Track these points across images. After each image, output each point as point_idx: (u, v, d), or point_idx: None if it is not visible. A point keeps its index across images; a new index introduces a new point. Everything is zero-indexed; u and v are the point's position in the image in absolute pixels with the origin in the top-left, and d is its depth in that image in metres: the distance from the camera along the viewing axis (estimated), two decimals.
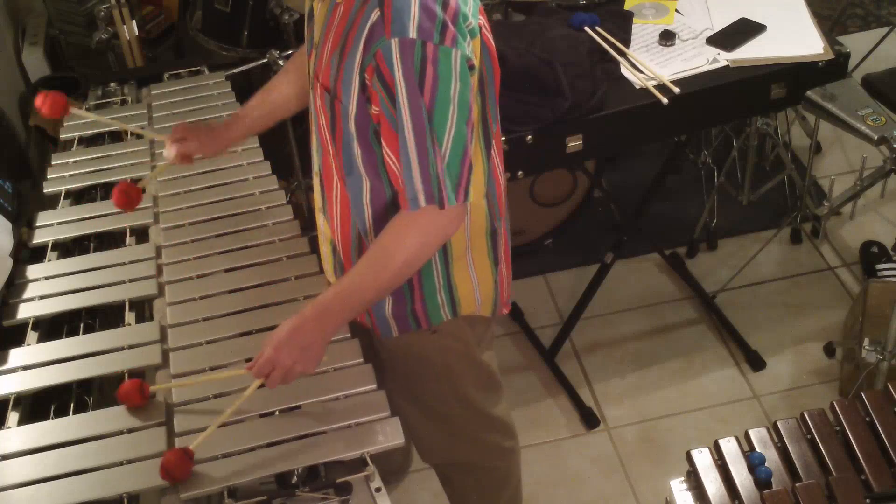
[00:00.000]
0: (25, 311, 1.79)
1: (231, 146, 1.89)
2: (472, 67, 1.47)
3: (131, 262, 1.87)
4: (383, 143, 1.50)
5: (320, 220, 1.77)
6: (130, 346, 1.69)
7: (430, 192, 1.47)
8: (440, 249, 1.66)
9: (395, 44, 1.40)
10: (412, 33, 1.39)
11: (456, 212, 1.51)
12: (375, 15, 1.41)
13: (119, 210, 1.86)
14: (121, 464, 1.47)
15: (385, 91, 1.44)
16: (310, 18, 1.61)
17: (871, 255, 3.00)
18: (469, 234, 1.68)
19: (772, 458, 1.57)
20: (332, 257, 1.78)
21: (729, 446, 1.60)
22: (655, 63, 2.31)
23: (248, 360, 1.55)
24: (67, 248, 1.98)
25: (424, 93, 1.42)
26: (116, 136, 2.32)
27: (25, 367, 1.66)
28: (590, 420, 2.66)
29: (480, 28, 1.51)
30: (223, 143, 1.85)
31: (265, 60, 2.77)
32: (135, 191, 1.82)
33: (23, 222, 2.02)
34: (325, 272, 1.83)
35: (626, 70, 2.29)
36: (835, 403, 1.65)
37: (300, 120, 2.05)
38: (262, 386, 1.50)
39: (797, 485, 1.51)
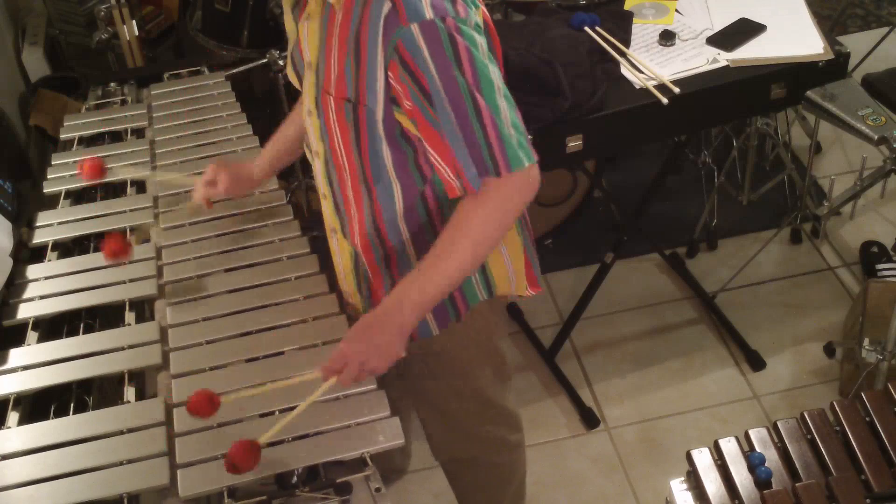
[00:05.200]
0: (25, 311, 1.79)
1: (256, 188, 1.94)
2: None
3: (131, 263, 1.87)
4: (423, 136, 1.46)
5: (334, 240, 1.74)
6: (130, 346, 1.68)
7: (497, 159, 1.40)
8: None
9: (415, 29, 1.37)
10: (428, 14, 1.37)
11: (534, 171, 1.45)
12: (387, 7, 1.38)
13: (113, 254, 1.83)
14: (121, 464, 1.46)
15: (414, 81, 1.39)
16: (300, 44, 1.57)
17: (871, 255, 3.00)
18: None
19: (772, 458, 1.57)
20: (353, 272, 1.75)
21: (729, 446, 1.60)
22: (655, 63, 2.31)
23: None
24: (67, 248, 1.98)
25: (464, 66, 1.38)
26: (116, 136, 2.32)
27: (25, 367, 1.66)
28: (590, 420, 2.67)
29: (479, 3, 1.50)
30: (249, 187, 1.90)
31: (265, 60, 2.77)
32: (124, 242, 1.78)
33: (23, 222, 2.02)
34: (344, 288, 1.80)
35: (626, 70, 2.29)
36: (835, 403, 1.65)
37: None
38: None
39: (797, 485, 1.51)
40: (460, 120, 1.39)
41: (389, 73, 1.42)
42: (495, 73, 1.42)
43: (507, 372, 1.96)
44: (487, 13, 1.53)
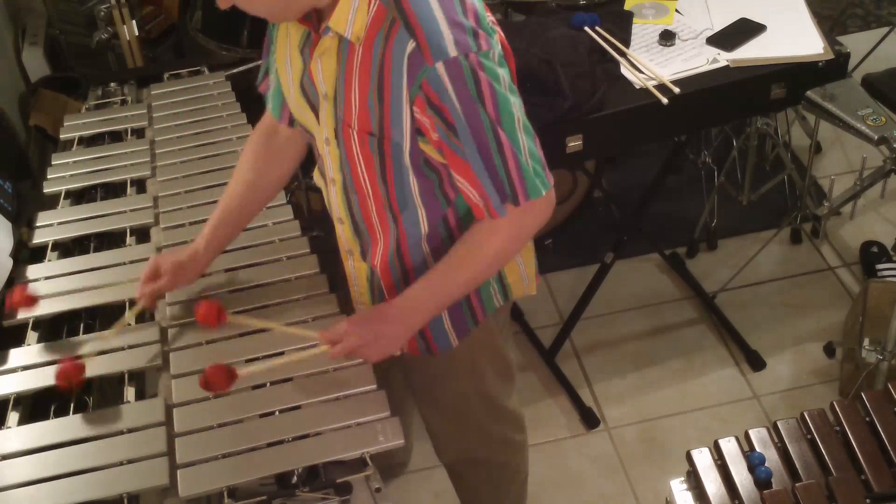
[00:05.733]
0: (25, 311, 1.78)
1: (205, 267, 1.78)
2: (503, 63, 1.47)
3: (131, 262, 1.87)
4: (450, 166, 1.49)
5: (350, 262, 1.74)
6: (130, 347, 1.69)
7: (517, 190, 1.47)
8: None
9: (441, 68, 1.38)
10: (452, 51, 1.38)
11: (550, 194, 1.52)
12: (411, 46, 1.38)
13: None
14: (121, 464, 1.46)
15: (439, 116, 1.42)
16: (312, 77, 1.56)
17: (871, 255, 3.00)
18: None
19: (772, 458, 1.57)
20: (369, 291, 1.75)
21: (729, 446, 1.60)
22: (655, 63, 2.31)
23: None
24: (67, 248, 1.97)
25: (486, 102, 1.41)
26: (116, 136, 2.32)
27: (25, 367, 1.66)
28: (590, 420, 2.67)
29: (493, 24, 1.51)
30: (196, 269, 1.75)
31: None
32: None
33: (23, 222, 2.02)
34: (359, 307, 1.80)
35: (626, 70, 2.29)
36: (835, 403, 1.65)
37: None
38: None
39: (797, 485, 1.51)
40: (483, 153, 1.45)
41: (415, 108, 1.43)
42: (516, 105, 1.46)
43: (511, 372, 1.97)
44: (502, 33, 1.53)
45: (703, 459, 1.60)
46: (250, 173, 1.78)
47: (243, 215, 1.79)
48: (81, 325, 1.77)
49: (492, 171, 1.46)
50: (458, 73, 1.39)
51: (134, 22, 3.03)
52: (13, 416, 1.58)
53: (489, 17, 1.50)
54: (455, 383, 1.87)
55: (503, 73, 1.44)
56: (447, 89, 1.39)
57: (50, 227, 2.00)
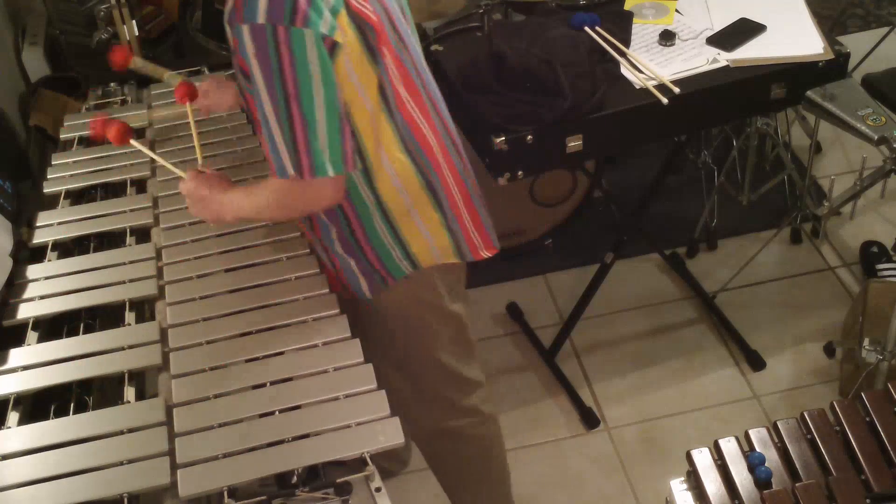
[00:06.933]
0: (25, 311, 1.79)
1: (226, 109, 2.11)
2: (334, 44, 1.51)
3: (131, 262, 1.87)
4: (255, 118, 1.59)
5: None
6: (130, 346, 1.68)
7: (302, 164, 1.55)
8: (379, 211, 1.74)
9: (245, 29, 1.46)
10: (261, 18, 1.45)
11: (337, 180, 1.60)
12: (230, 3, 1.49)
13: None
14: (121, 464, 1.47)
15: (241, 73, 1.53)
16: None
17: (871, 255, 3.00)
18: (405, 192, 1.74)
19: (772, 458, 1.57)
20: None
21: (729, 446, 1.60)
22: (655, 63, 2.31)
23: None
24: (67, 248, 1.98)
25: (285, 76, 1.47)
26: None
27: (25, 367, 1.66)
28: (590, 420, 2.67)
29: (347, 2, 1.53)
30: (202, 103, 2.05)
31: None
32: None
33: (23, 222, 2.02)
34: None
35: (626, 70, 2.29)
36: (835, 403, 1.65)
37: None
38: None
39: (797, 485, 1.51)
40: (276, 121, 1.52)
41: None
42: (321, 91, 1.51)
43: (469, 340, 2.00)
44: (362, 5, 1.56)
45: (703, 459, 1.60)
46: None
47: None
48: (81, 325, 1.77)
49: (281, 137, 1.52)
50: (262, 40, 1.46)
51: (134, 22, 3.02)
52: (13, 416, 1.58)
53: None
54: (405, 339, 1.92)
55: (315, 54, 1.48)
56: (248, 51, 1.48)
57: (50, 227, 2.00)
